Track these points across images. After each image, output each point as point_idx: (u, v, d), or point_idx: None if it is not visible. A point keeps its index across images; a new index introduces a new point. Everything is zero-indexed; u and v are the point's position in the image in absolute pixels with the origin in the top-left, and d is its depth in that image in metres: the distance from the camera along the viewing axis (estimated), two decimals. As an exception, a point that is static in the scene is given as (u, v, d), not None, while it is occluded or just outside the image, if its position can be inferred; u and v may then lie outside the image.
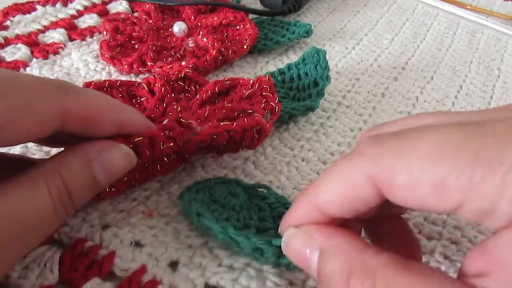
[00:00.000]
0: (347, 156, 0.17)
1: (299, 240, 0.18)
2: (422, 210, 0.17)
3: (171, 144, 0.21)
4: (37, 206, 0.17)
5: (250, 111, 0.26)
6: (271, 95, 0.28)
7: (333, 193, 0.17)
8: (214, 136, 0.23)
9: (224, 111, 0.26)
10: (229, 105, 0.28)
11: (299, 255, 0.18)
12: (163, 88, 0.29)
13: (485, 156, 0.13)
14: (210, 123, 0.23)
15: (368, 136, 0.17)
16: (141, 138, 0.21)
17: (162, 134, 0.21)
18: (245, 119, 0.24)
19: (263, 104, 0.28)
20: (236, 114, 0.26)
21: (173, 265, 0.22)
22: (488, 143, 0.14)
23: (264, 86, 0.29)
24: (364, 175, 0.16)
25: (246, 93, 0.29)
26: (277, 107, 0.27)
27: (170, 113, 0.24)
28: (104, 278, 0.21)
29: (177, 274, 0.21)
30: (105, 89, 0.29)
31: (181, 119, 0.22)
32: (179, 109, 0.23)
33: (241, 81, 0.30)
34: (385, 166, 0.15)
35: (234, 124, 0.23)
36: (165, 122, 0.22)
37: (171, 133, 0.22)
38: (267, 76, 0.30)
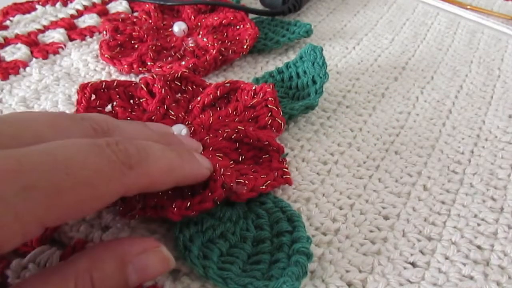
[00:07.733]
0: None
1: None
2: None
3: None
4: None
5: (266, 142, 0.26)
6: (275, 109, 0.29)
7: None
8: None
9: (231, 130, 0.27)
10: (236, 120, 0.28)
11: None
12: (163, 90, 0.29)
13: None
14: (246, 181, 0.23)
15: None
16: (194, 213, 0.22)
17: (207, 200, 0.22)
18: (275, 174, 0.25)
19: (269, 120, 0.28)
20: (242, 136, 0.26)
21: (174, 273, 0.22)
22: None
23: (269, 98, 0.29)
24: None
25: (251, 103, 0.29)
26: (282, 124, 0.28)
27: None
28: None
29: (179, 282, 0.21)
30: (102, 90, 0.29)
31: (225, 184, 0.22)
32: (222, 171, 0.23)
33: (242, 85, 0.30)
34: None
35: (265, 184, 0.24)
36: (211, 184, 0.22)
37: (216, 197, 0.22)
38: (270, 86, 0.30)
